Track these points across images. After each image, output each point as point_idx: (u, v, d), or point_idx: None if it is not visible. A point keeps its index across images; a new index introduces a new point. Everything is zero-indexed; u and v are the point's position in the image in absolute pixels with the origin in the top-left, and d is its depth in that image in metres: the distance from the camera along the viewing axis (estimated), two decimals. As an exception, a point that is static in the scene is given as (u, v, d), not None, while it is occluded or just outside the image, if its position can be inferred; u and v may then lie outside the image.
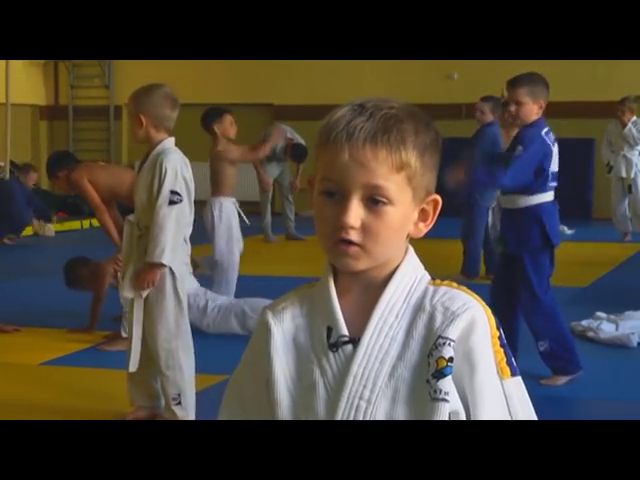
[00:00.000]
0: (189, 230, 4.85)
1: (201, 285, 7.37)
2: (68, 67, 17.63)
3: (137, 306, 4.76)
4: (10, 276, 9.65)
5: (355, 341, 1.58)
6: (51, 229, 13.50)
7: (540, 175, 5.50)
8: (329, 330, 1.59)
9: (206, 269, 7.94)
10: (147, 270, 4.66)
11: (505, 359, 1.58)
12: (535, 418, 1.61)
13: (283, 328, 1.64)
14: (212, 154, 7.81)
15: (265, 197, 12.39)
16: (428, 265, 1.66)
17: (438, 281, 1.62)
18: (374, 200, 1.53)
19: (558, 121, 15.17)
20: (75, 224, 14.32)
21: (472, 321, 1.56)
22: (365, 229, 1.54)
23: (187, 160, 4.80)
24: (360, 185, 1.53)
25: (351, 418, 1.56)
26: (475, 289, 1.64)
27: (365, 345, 1.57)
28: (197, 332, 7.09)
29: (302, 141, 12.49)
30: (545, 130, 5.54)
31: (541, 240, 5.53)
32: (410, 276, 1.60)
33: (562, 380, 5.65)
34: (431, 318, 1.56)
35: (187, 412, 4.81)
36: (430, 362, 1.55)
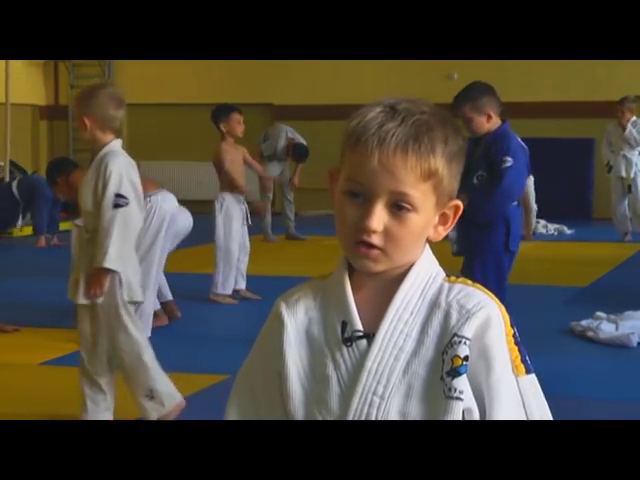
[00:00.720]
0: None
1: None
2: (68, 67, 17.61)
3: (83, 315, 4.71)
4: (10, 276, 9.65)
5: (370, 337, 1.58)
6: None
7: None
8: (344, 325, 1.59)
9: None
10: (94, 275, 4.60)
11: (520, 357, 1.60)
12: (549, 415, 1.62)
13: (297, 320, 1.64)
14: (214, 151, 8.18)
15: (265, 197, 12.39)
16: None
17: (453, 278, 1.62)
18: (398, 206, 1.54)
19: (558, 121, 15.25)
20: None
21: (487, 319, 1.57)
22: (387, 234, 1.54)
23: (133, 162, 4.76)
24: (387, 191, 1.53)
25: (364, 413, 1.56)
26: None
27: (380, 341, 1.57)
28: (197, 332, 7.11)
29: (303, 141, 12.51)
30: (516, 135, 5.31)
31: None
32: (425, 272, 1.61)
33: None
34: (446, 316, 1.57)
35: (163, 405, 4.70)
36: (445, 359, 1.55)
